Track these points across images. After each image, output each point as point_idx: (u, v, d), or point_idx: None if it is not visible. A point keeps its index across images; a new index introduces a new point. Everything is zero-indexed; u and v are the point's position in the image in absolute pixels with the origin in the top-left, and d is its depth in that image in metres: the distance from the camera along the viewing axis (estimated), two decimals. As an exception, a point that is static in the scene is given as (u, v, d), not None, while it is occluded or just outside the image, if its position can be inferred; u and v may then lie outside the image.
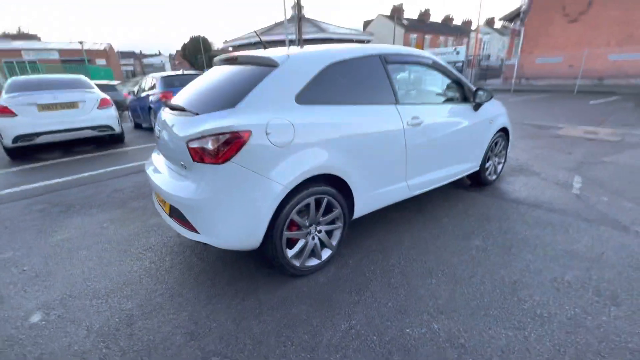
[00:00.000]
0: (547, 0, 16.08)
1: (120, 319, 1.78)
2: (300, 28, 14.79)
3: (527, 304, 1.80)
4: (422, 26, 44.10)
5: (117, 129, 6.24)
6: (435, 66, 2.82)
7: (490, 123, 3.26)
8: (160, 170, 2.18)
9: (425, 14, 46.93)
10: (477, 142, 3.19)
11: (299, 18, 14.66)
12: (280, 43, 28.34)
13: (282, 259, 1.94)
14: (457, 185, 3.64)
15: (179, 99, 2.20)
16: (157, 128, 2.29)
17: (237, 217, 1.76)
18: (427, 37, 43.60)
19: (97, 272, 2.23)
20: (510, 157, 4.66)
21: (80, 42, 26.40)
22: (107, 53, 37.67)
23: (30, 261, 2.39)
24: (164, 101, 6.94)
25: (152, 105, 7.33)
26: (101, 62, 36.50)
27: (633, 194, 3.25)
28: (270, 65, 1.92)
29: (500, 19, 19.49)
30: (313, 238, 2.08)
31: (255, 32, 3.24)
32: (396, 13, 41.34)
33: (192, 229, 1.83)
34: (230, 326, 1.71)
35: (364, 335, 1.62)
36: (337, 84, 2.08)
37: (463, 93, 3.03)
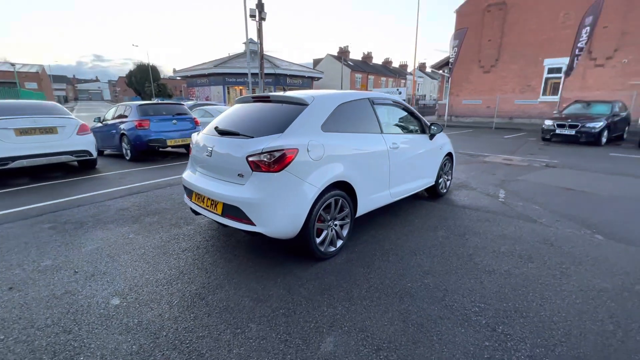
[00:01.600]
0: (467, 55, 19.65)
1: (192, 295, 2.25)
2: (262, 65, 15.89)
3: (479, 265, 2.70)
4: (365, 67, 48.90)
5: (95, 155, 6.29)
6: (403, 106, 3.86)
7: (440, 149, 4.37)
8: (207, 182, 2.74)
9: (367, 57, 52.30)
10: (433, 162, 4.25)
11: (261, 56, 15.79)
12: (242, 75, 29.12)
13: (313, 245, 2.60)
14: (418, 198, 4.64)
15: (224, 125, 2.83)
16: (200, 151, 2.88)
17: (285, 212, 2.41)
18: (371, 77, 48.34)
19: (149, 269, 2.62)
20: (454, 177, 5.91)
21: (12, 64, 24.26)
22: (39, 76, 34.63)
23: (76, 266, 2.67)
24: (140, 128, 7.17)
25: (125, 133, 7.46)
26: (32, 85, 33.41)
27: (538, 200, 4.54)
28: (302, 104, 2.69)
29: (432, 67, 23.02)
30: (331, 230, 2.78)
31: (284, 88, 3.99)
32: (343, 54, 45.50)
33: (249, 222, 2.42)
34: (284, 292, 2.29)
35: (381, 289, 2.34)
36: (344, 118, 2.92)
37: (421, 126, 4.10)
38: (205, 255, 2.87)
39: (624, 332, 1.90)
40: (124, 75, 53.05)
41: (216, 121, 3.10)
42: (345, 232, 2.92)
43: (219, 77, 30.30)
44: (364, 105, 3.20)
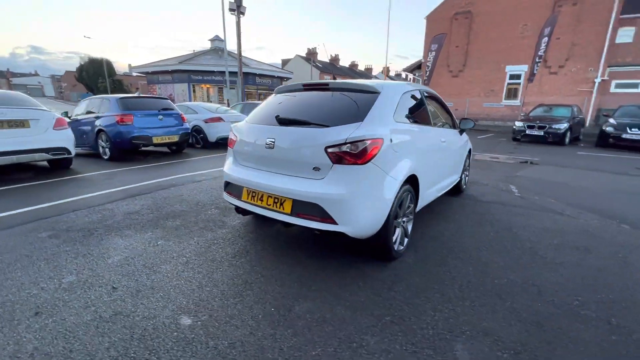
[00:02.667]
0: (438, 60, 20.56)
1: (276, 307, 1.94)
2: (240, 62, 15.26)
3: (547, 259, 2.67)
4: (333, 69, 49.42)
5: (73, 153, 5.49)
6: (441, 101, 3.79)
7: (466, 144, 4.39)
8: (267, 177, 2.42)
9: (335, 59, 52.92)
10: (462, 158, 4.24)
11: (239, 52, 15.14)
12: (210, 73, 27.84)
13: (391, 243, 2.39)
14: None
15: (286, 114, 2.53)
16: (252, 143, 2.55)
17: (370, 208, 2.18)
18: (339, 79, 48.90)
19: (204, 280, 2.24)
20: (461, 173, 6.02)
21: None
22: (-32, 67, 30.38)
23: (111, 281, 2.20)
24: (122, 124, 6.43)
25: (103, 129, 6.64)
26: (-41, 77, 29.18)
27: (548, 194, 4.74)
28: (373, 92, 2.48)
29: (404, 69, 23.79)
30: (401, 227, 2.60)
31: (333, 75, 3.71)
32: (311, 56, 45.54)
33: (329, 221, 2.15)
34: (376, 298, 2.06)
35: (474, 288, 2.20)
36: (406, 109, 2.76)
37: (453, 121, 4.07)
38: (261, 260, 2.54)
39: None
40: (71, 70, 48.26)
41: (265, 111, 2.78)
42: (410, 230, 2.76)
43: (184, 75, 28.68)
44: (419, 96, 3.07)
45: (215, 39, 35.14)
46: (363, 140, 2.13)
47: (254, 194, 2.50)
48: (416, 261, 2.58)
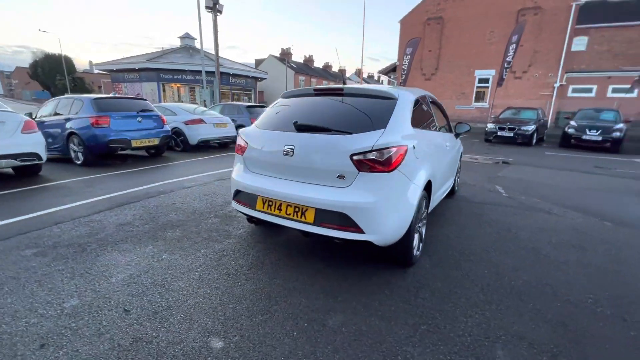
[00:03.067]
0: (412, 63, 21.19)
1: (308, 322, 1.86)
2: (218, 61, 14.79)
3: (550, 257, 2.81)
4: (308, 70, 49.41)
5: (44, 158, 5.02)
6: (440, 106, 3.87)
7: (460, 147, 4.52)
8: (286, 186, 2.33)
9: (309, 60, 52.92)
10: (456, 161, 4.37)
11: (216, 52, 14.67)
12: (180, 72, 26.78)
13: (412, 249, 2.39)
14: (438, 195, 4.73)
15: (305, 120, 2.45)
16: (266, 151, 2.45)
17: (397, 216, 2.17)
18: (313, 80, 48.98)
19: (224, 296, 2.11)
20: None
21: None
22: None
23: (121, 302, 2.01)
24: (98, 126, 6.03)
25: (76, 132, 6.15)
26: None
27: (532, 193, 5.01)
28: (391, 98, 2.46)
29: (379, 72, 24.26)
30: (418, 233, 2.61)
31: (343, 80, 3.64)
32: (286, 56, 45.20)
33: (356, 230, 2.10)
34: (406, 306, 2.05)
35: (495, 290, 2.25)
36: (418, 115, 2.78)
37: (449, 125, 4.18)
38: (279, 271, 2.44)
39: None
40: (23, 66, 44.49)
41: (278, 116, 2.68)
42: (424, 234, 2.78)
43: (153, 73, 27.37)
44: (427, 102, 3.11)
45: (186, 36, 33.87)
46: (389, 147, 2.11)
47: (270, 203, 2.40)
48: (432, 266, 2.60)
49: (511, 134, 12.30)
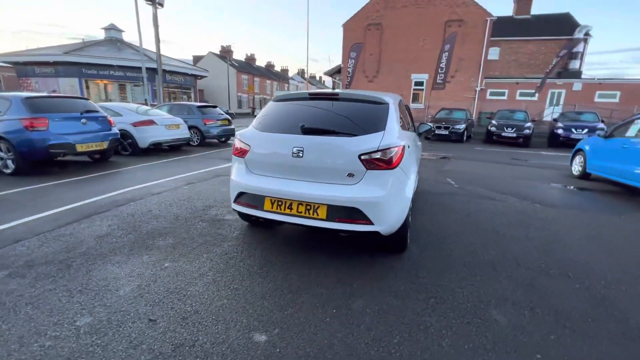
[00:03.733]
0: (356, 66, 22.27)
1: (339, 315, 2.05)
2: (159, 58, 13.71)
3: (507, 236, 3.41)
4: (250, 69, 48.31)
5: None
6: (408, 108, 4.32)
7: (420, 144, 5.08)
8: (297, 186, 2.47)
9: (251, 58, 51.76)
10: (419, 156, 4.90)
11: (157, 48, 13.58)
12: (107, 67, 24.18)
13: (407, 236, 2.72)
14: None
15: (311, 123, 2.60)
16: (274, 153, 2.56)
17: (398, 207, 2.46)
18: (257, 79, 48.09)
19: (248, 295, 2.17)
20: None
21: None
22: None
23: (141, 313, 1.95)
24: (33, 129, 5.40)
25: (3, 136, 5.31)
26: None
27: (477, 184, 5.84)
28: (383, 103, 2.75)
29: (325, 73, 24.93)
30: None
31: (334, 84, 3.72)
32: (226, 53, 43.55)
33: (366, 222, 2.34)
34: (411, 285, 2.36)
35: (472, 262, 2.70)
36: (399, 117, 3.12)
37: (414, 124, 4.68)
38: (290, 268, 2.56)
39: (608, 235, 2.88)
40: None
41: (280, 119, 2.78)
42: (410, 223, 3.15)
43: (73, 68, 24.21)
44: (402, 105, 3.48)
45: (111, 27, 30.61)
46: (391, 147, 2.39)
47: (280, 203, 2.51)
48: (421, 250, 2.98)
49: (447, 132, 13.81)
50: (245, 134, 2.83)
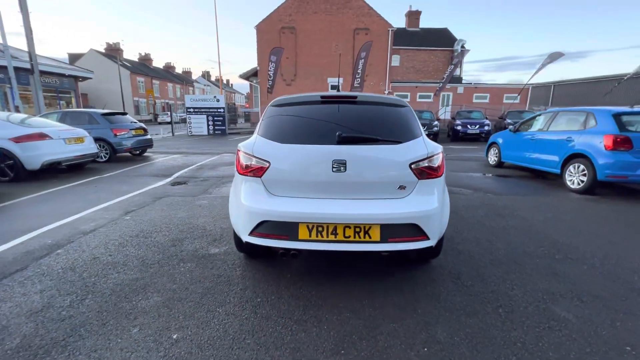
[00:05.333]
0: (277, 69, 21.83)
1: (413, 328, 1.76)
2: (34, 57, 10.69)
3: (467, 218, 3.65)
4: (147, 70, 42.86)
5: None
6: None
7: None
8: (340, 206, 2.07)
9: (146, 58, 45.96)
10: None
11: (30, 44, 10.52)
12: None
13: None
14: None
15: (349, 131, 2.19)
16: (305, 168, 2.10)
17: (446, 214, 2.30)
18: (155, 82, 42.92)
19: (308, 341, 1.69)
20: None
21: None
22: None
23: (198, 341, 1.28)
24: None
25: None
26: None
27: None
28: (403, 106, 2.54)
29: (240, 76, 23.76)
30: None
31: (338, 87, 3.16)
32: (114, 52, 37.54)
33: (422, 238, 2.10)
34: (467, 296, 2.23)
35: (495, 260, 2.75)
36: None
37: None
38: (337, 304, 2.13)
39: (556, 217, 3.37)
40: None
41: (300, 127, 2.32)
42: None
43: None
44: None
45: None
46: (437, 154, 2.21)
47: (320, 229, 2.05)
48: (443, 253, 2.90)
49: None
50: (257, 146, 2.25)
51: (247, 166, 2.23)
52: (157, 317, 1.98)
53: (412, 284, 2.40)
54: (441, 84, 19.91)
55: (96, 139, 8.01)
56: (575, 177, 5.52)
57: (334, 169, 2.09)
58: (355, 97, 2.51)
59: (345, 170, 2.09)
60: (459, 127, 15.36)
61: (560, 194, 5.26)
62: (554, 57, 16.40)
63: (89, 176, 6.55)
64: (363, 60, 17.50)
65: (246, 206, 2.17)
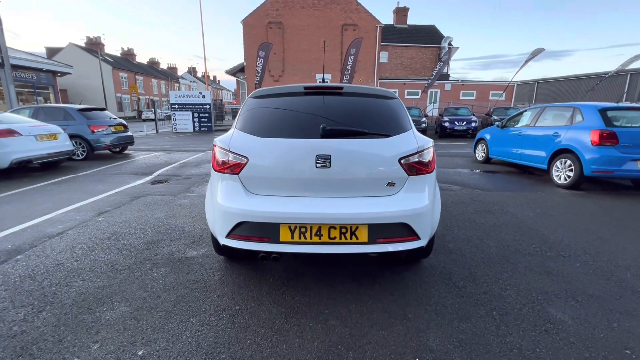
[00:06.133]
0: (265, 65, 21.45)
1: (418, 334, 1.62)
2: (5, 50, 10.10)
3: (457, 217, 3.56)
4: (130, 66, 41.64)
5: None
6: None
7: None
8: (325, 205, 1.91)
9: (129, 53, 44.65)
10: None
11: (1, 38, 9.92)
12: None
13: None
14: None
15: (333, 123, 2.01)
16: (284, 164, 1.92)
17: (437, 213, 2.17)
18: (139, 77, 41.77)
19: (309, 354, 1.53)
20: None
21: None
22: None
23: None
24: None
25: None
26: None
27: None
28: (393, 98, 2.39)
29: (227, 72, 23.25)
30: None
31: (323, 78, 2.97)
32: (95, 46, 36.28)
33: (412, 238, 1.97)
34: (460, 298, 2.12)
35: (486, 259, 2.66)
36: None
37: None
38: (323, 310, 1.98)
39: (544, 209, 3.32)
40: None
41: (281, 120, 2.14)
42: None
43: None
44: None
45: None
46: (428, 148, 2.08)
47: (304, 230, 1.89)
48: (434, 252, 2.79)
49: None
50: (233, 141, 2.07)
51: (223, 162, 2.05)
52: (122, 331, 1.78)
53: (402, 286, 2.27)
54: (429, 81, 19.94)
55: (72, 136, 7.61)
56: (562, 172, 5.52)
57: (317, 165, 1.93)
58: (341, 88, 2.35)
59: (330, 166, 1.94)
60: (447, 124, 15.39)
61: (547, 190, 5.24)
62: (536, 52, 16.71)
63: (63, 175, 6.20)
64: (353, 57, 17.34)
65: (223, 206, 1.99)
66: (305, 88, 2.34)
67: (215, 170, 2.09)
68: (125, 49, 43.79)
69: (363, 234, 1.91)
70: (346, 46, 19.06)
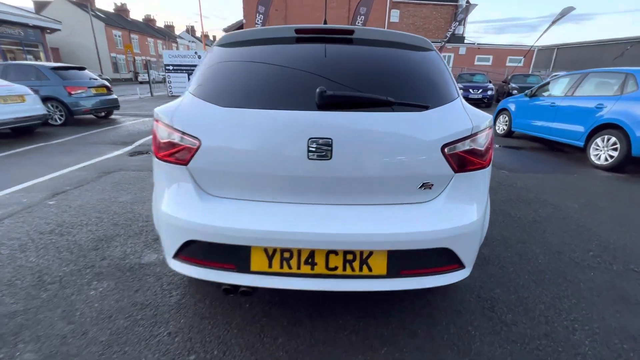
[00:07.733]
0: (265, 22, 19.76)
1: None
2: None
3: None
4: (124, 23, 39.25)
5: None
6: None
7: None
8: (322, 216, 1.20)
9: (122, 9, 41.92)
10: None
11: None
12: None
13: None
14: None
15: (336, 87, 1.24)
16: (260, 154, 1.18)
17: (486, 226, 1.47)
18: (134, 36, 39.51)
19: None
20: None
21: None
22: None
23: None
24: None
25: None
26: None
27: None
28: (428, 49, 1.59)
29: (224, 30, 21.58)
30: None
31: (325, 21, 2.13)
32: (85, 0, 33.82)
33: (453, 267, 1.29)
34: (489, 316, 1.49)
35: (533, 269, 2.01)
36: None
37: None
38: (282, 336, 1.37)
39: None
40: None
41: (248, 79, 1.37)
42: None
43: None
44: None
45: None
46: (486, 128, 1.33)
47: (287, 255, 1.22)
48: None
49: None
50: (180, 112, 1.33)
51: (165, 145, 1.32)
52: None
53: (428, 322, 1.63)
54: (443, 42, 18.32)
55: (46, 99, 6.82)
56: (602, 151, 4.72)
57: (311, 154, 1.20)
58: (352, 31, 1.53)
59: (331, 156, 1.21)
60: (461, 92, 14.22)
61: (584, 171, 4.50)
62: (565, 12, 14.91)
63: (34, 143, 5.51)
64: (363, 16, 15.70)
65: (165, 215, 1.30)
66: (298, 32, 1.53)
67: (157, 158, 1.37)
68: (118, 4, 40.95)
69: (380, 264, 1.23)
70: (354, 1, 17.26)
